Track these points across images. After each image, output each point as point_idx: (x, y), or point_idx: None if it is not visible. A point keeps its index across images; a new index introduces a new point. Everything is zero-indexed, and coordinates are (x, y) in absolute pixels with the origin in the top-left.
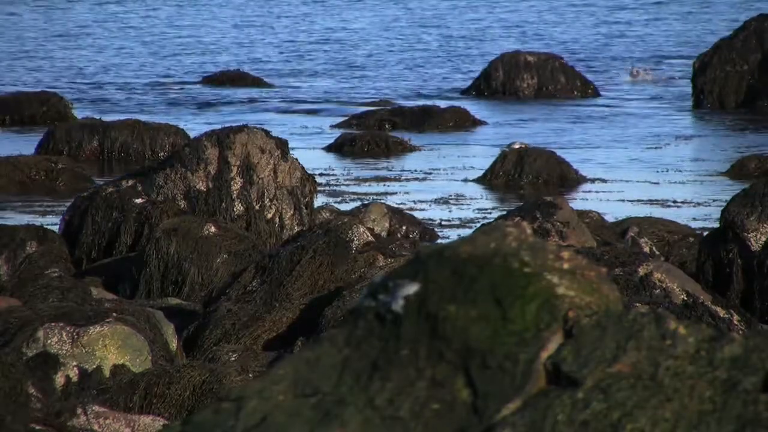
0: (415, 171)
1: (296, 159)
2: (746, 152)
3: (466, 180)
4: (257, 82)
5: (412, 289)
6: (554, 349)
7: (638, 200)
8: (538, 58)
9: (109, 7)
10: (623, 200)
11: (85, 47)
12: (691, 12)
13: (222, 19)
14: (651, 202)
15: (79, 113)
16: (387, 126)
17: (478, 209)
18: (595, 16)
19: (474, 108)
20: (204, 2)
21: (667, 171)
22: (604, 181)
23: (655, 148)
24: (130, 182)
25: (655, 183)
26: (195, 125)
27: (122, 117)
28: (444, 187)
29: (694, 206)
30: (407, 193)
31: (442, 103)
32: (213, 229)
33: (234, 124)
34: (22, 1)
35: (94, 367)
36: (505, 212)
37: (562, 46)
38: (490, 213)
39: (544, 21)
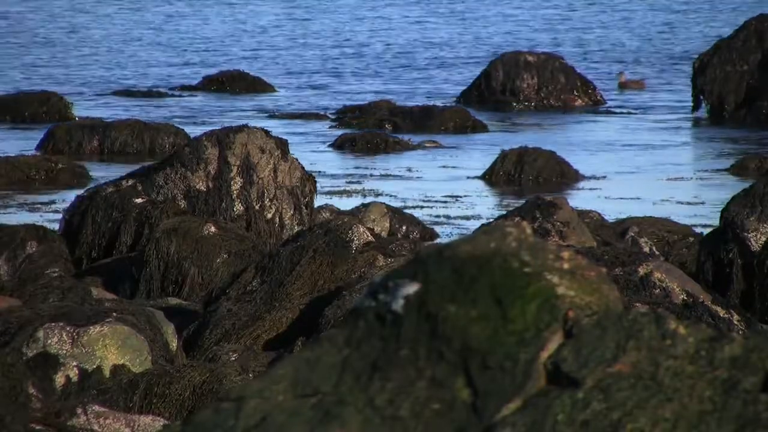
0: (415, 171)
1: (296, 159)
2: (746, 152)
3: (466, 179)
4: (258, 83)
5: (412, 288)
6: (554, 349)
7: (638, 200)
8: (538, 58)
9: (108, 8)
10: (623, 200)
11: (85, 48)
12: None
13: (221, 19)
14: (651, 201)
15: (80, 113)
16: (387, 126)
17: (478, 209)
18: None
19: (474, 108)
20: (204, 2)
21: (667, 171)
22: (604, 180)
23: (655, 148)
24: (130, 182)
25: (655, 183)
26: (195, 125)
27: (122, 116)
28: (444, 187)
29: (694, 206)
30: (407, 192)
31: (442, 104)
32: (213, 229)
33: (234, 124)
34: (23, 2)
35: (94, 367)
36: (505, 212)
37: (567, 45)
38: (490, 213)
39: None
